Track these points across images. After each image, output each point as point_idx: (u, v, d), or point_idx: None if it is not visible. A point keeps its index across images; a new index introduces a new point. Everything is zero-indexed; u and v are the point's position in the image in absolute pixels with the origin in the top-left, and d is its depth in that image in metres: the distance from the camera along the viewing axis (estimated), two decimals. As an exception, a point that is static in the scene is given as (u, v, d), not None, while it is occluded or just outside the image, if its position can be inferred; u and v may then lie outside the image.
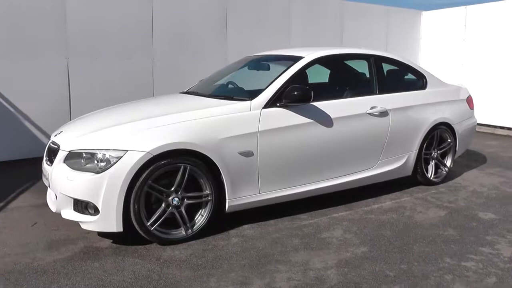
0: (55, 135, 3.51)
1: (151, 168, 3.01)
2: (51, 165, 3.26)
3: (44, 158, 3.50)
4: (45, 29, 5.69)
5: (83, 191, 2.98)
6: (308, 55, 3.90)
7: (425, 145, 4.42)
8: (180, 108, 3.51)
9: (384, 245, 3.21)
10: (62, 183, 3.09)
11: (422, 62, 9.24)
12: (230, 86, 4.28)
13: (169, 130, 3.14)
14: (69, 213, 3.14)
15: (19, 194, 4.44)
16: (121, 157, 2.96)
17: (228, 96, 3.73)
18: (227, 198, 3.33)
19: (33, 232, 3.45)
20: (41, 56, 5.70)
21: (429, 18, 9.17)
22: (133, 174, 2.96)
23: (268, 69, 4.31)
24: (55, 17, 5.73)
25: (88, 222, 3.04)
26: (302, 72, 3.80)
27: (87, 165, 3.05)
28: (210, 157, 3.19)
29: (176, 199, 3.16)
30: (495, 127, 7.46)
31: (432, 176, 4.56)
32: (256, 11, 7.35)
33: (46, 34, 5.70)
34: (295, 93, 3.46)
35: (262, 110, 3.48)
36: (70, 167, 3.10)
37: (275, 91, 3.58)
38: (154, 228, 3.10)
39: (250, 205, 3.47)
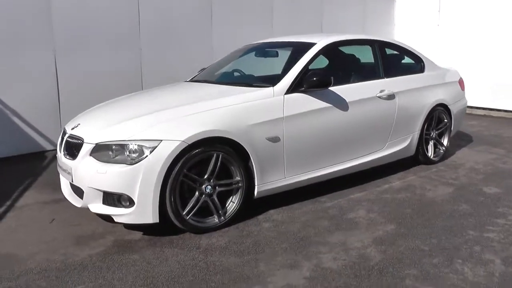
0: (72, 128, 3.39)
1: (186, 157, 2.99)
2: (74, 159, 3.15)
3: (61, 153, 3.38)
4: (30, 21, 5.40)
5: (117, 183, 2.92)
6: (320, 41, 3.96)
7: (425, 126, 4.62)
8: (203, 96, 3.49)
9: (409, 222, 3.36)
10: (91, 177, 3.01)
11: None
12: (240, 73, 4.28)
13: (201, 118, 3.12)
14: (98, 207, 3.07)
15: (22, 192, 4.25)
16: (156, 147, 2.91)
17: (247, 83, 3.74)
18: (256, 184, 3.36)
19: (53, 229, 3.34)
20: (28, 49, 5.42)
21: (403, 4, 9.46)
22: (169, 164, 2.92)
23: (277, 55, 4.34)
24: (40, 9, 5.46)
25: (122, 215, 2.99)
26: (316, 57, 3.86)
27: (117, 157, 2.98)
28: (241, 143, 3.20)
29: (209, 187, 3.15)
30: (472, 107, 7.87)
31: (432, 155, 4.79)
32: (240, 0, 7.31)
33: (32, 26, 5.42)
34: (316, 78, 3.52)
35: (285, 96, 3.52)
36: (99, 160, 3.02)
37: (294, 77, 3.62)
38: (190, 218, 3.09)
39: (276, 190, 3.52)
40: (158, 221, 2.99)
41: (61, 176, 3.70)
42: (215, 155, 3.12)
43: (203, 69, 4.83)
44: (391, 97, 4.19)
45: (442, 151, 4.90)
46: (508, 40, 7.66)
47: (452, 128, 4.99)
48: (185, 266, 2.74)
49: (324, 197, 3.89)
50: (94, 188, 3.02)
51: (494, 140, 6.01)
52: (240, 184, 3.27)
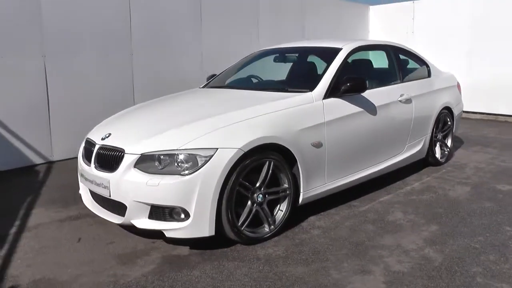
0: (102, 139, 3.16)
1: (241, 165, 2.87)
2: (112, 172, 2.94)
3: (92, 165, 3.13)
4: (19, 26, 5.02)
5: (171, 196, 2.75)
6: (345, 46, 3.99)
7: (434, 129, 4.78)
8: (245, 102, 3.40)
9: (448, 222, 3.44)
10: (137, 190, 2.82)
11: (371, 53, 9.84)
12: (263, 78, 4.21)
13: (254, 125, 3.02)
14: (146, 223, 2.88)
15: (28, 210, 3.91)
16: (212, 156, 2.78)
17: (281, 88, 3.69)
18: (301, 190, 3.30)
19: (85, 249, 3.08)
20: (17, 54, 5.02)
21: (377, 12, 9.81)
22: (227, 173, 2.80)
23: (297, 61, 4.31)
24: (29, 13, 5.09)
25: (176, 229, 2.81)
26: (345, 62, 3.87)
27: (166, 168, 2.81)
28: (291, 150, 3.14)
29: (261, 195, 3.05)
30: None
31: (439, 157, 4.96)
32: (228, 6, 7.23)
33: (21, 31, 5.04)
34: (352, 83, 3.53)
35: (323, 101, 3.50)
36: (145, 172, 2.83)
37: (329, 82, 3.61)
38: (244, 228, 2.97)
39: (317, 196, 3.48)
40: (214, 233, 2.85)
41: (84, 191, 3.45)
42: (267, 162, 3.03)
43: (213, 75, 4.71)
44: (408, 101, 4.29)
45: (446, 152, 5.09)
46: (480, 47, 8.15)
47: (454, 130, 5.20)
48: (256, 279, 2.62)
49: (355, 201, 3.91)
50: (141, 202, 2.83)
51: (483, 141, 6.35)
52: (287, 192, 3.20)
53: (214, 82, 4.48)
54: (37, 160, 5.37)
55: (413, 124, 4.37)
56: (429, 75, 4.89)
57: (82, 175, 3.30)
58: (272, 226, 3.13)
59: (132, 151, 2.89)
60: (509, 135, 6.85)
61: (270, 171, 3.06)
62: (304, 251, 2.96)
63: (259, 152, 2.96)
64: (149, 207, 2.84)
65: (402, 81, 4.41)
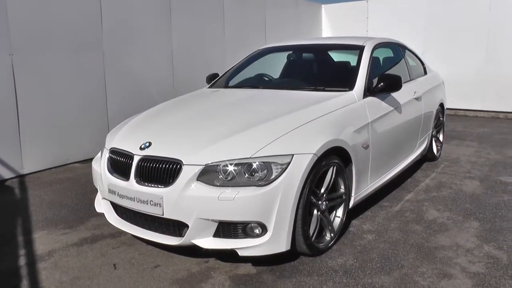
0: (141, 148, 2.74)
1: (314, 171, 2.65)
2: (166, 187, 2.56)
3: (131, 180, 2.71)
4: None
5: (249, 210, 2.45)
6: (367, 43, 3.91)
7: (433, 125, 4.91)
8: (289, 103, 3.17)
9: (483, 217, 3.51)
10: (204, 206, 2.48)
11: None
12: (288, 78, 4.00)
13: (318, 128, 2.82)
14: (213, 242, 2.55)
15: (26, 234, 3.33)
16: (289, 163, 2.52)
17: (317, 88, 3.51)
18: (353, 194, 3.16)
19: (131, 276, 2.67)
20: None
21: (330, 11, 9.96)
22: (304, 181, 2.56)
23: (314, 58, 4.15)
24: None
25: (251, 247, 2.52)
26: (372, 59, 3.79)
27: (235, 179, 2.50)
28: (350, 153, 2.98)
29: (325, 203, 2.86)
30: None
31: (436, 152, 5.11)
32: (196, 4, 6.85)
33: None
34: (389, 81, 3.47)
35: (364, 100, 3.39)
36: (211, 185, 2.50)
37: (364, 80, 3.51)
38: (314, 239, 2.76)
39: (362, 199, 3.36)
40: (289, 248, 2.60)
41: (108, 209, 3.00)
42: (332, 167, 2.84)
43: (215, 74, 4.38)
44: (419, 98, 4.35)
45: (439, 147, 5.27)
46: (434, 46, 8.62)
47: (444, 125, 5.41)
48: (347, 294, 2.44)
49: (382, 201, 3.86)
50: (207, 219, 2.49)
51: (455, 135, 6.72)
52: (344, 197, 3.04)
53: (224, 81, 4.17)
54: (5, 174, 4.62)
55: (422, 121, 4.43)
56: (425, 73, 5.01)
57: (112, 192, 2.84)
58: (332, 234, 2.96)
59: (193, 161, 2.53)
60: (475, 128, 7.33)
61: (334, 176, 2.88)
62: (374, 259, 2.83)
63: (326, 157, 2.77)
64: (216, 225, 2.51)
65: (411, 79, 4.45)
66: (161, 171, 2.61)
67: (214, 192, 2.46)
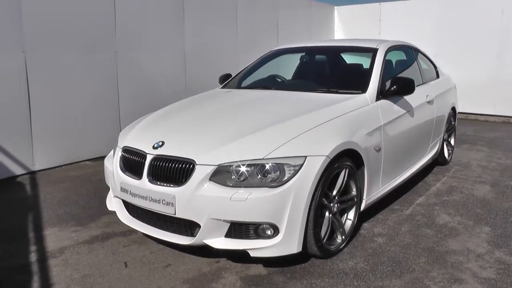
0: (154, 147, 2.75)
1: (326, 174, 2.65)
2: (179, 186, 2.57)
3: (143, 179, 2.72)
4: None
5: (261, 211, 2.45)
6: (380, 46, 3.89)
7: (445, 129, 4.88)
8: (303, 104, 3.17)
9: (495, 222, 3.48)
10: (217, 206, 2.49)
11: None
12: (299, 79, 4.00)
13: (331, 129, 2.82)
14: (224, 242, 2.55)
15: (36, 231, 3.37)
16: (302, 164, 2.52)
17: (330, 90, 3.50)
18: (364, 197, 3.15)
19: (141, 274, 2.69)
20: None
21: (342, 13, 9.94)
22: (316, 183, 2.56)
23: (326, 60, 4.14)
24: (8, 6, 4.40)
25: (263, 248, 2.52)
26: (385, 62, 3.77)
27: (247, 180, 2.51)
28: (362, 155, 2.97)
29: (336, 205, 2.85)
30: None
31: (447, 156, 5.08)
32: (208, 2, 6.87)
33: None
34: (402, 84, 3.45)
35: (376, 103, 3.38)
36: (223, 185, 2.51)
37: (377, 83, 3.50)
38: (325, 241, 2.76)
39: (373, 202, 3.35)
40: (301, 250, 2.59)
41: (119, 207, 3.02)
42: (344, 169, 2.84)
43: (228, 74, 4.39)
44: (431, 102, 4.32)
45: (451, 151, 5.23)
46: (445, 49, 8.56)
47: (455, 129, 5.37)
48: (358, 297, 2.43)
49: (393, 204, 3.84)
50: (219, 220, 2.50)
51: (466, 139, 6.67)
52: (355, 200, 3.03)
53: (237, 82, 4.18)
54: (17, 170, 4.67)
55: (434, 125, 4.41)
56: (437, 76, 4.98)
57: (124, 190, 2.85)
58: (343, 236, 2.95)
59: (206, 161, 2.54)
60: (486, 133, 7.26)
61: (346, 179, 2.87)
62: (385, 262, 2.82)
63: (338, 159, 2.76)
64: (228, 225, 2.52)
65: (423, 82, 4.43)
66: (173, 171, 2.62)
67: (227, 193, 2.47)
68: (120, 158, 3.00)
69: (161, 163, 2.68)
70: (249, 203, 2.43)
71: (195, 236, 2.62)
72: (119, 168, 2.96)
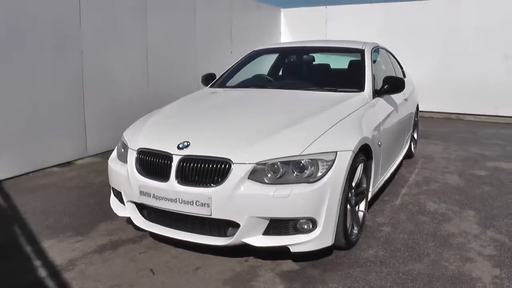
0: (179, 148, 2.69)
1: (351, 168, 2.77)
2: (215, 186, 2.55)
3: (171, 181, 2.64)
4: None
5: (302, 206, 2.52)
6: (366, 47, 4.12)
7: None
8: (314, 102, 3.29)
9: (476, 206, 3.83)
10: (258, 204, 2.51)
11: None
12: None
13: (349, 126, 2.95)
14: (264, 240, 2.58)
15: (33, 244, 3.12)
16: (334, 160, 2.62)
17: (330, 88, 3.64)
18: (370, 189, 3.32)
19: (177, 280, 2.62)
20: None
21: (289, 15, 10.20)
22: (346, 176, 2.67)
23: (313, 60, 4.28)
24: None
25: (303, 243, 2.58)
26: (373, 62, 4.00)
27: (284, 177, 2.56)
28: (372, 150, 3.14)
29: (353, 197, 2.99)
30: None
31: (413, 150, 5.47)
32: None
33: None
34: (394, 83, 3.68)
35: (373, 100, 3.57)
36: (262, 183, 2.54)
37: (371, 82, 3.70)
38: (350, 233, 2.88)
39: (374, 193, 3.53)
40: (334, 242, 2.69)
41: (133, 212, 2.91)
42: (360, 164, 2.98)
43: (211, 74, 4.35)
44: (407, 99, 4.64)
45: (415, 145, 5.64)
46: (392, 49, 9.14)
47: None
48: (395, 280, 2.58)
49: (383, 195, 4.08)
50: (260, 217, 2.52)
51: (421, 134, 7.15)
52: (365, 192, 3.20)
53: (226, 81, 4.18)
54: (-18, 180, 4.23)
55: (408, 121, 4.74)
56: (405, 76, 5.35)
57: (145, 194, 2.74)
58: (358, 227, 3.09)
59: (243, 160, 2.54)
60: (436, 128, 7.90)
61: (361, 172, 3.02)
62: (400, 249, 3.01)
63: (358, 154, 2.89)
64: (267, 222, 2.54)
65: (398, 81, 4.74)
66: (207, 171, 2.58)
67: (268, 190, 2.49)
68: (136, 160, 2.87)
69: (191, 164, 2.62)
70: (292, 199, 2.48)
71: (228, 236, 2.61)
72: (136, 171, 2.83)
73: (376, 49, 4.43)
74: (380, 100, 3.68)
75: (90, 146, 5.41)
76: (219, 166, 2.57)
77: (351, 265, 2.76)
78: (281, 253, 2.76)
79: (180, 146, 2.71)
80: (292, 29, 10.23)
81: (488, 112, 8.70)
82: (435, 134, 7.26)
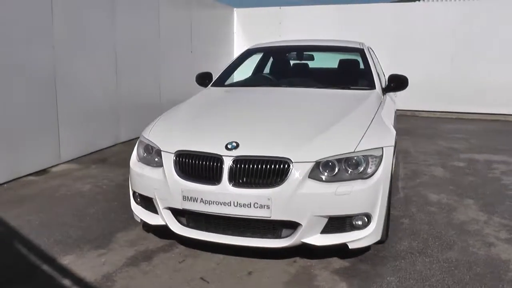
0: (228, 149, 2.59)
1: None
2: (275, 187, 2.49)
3: (224, 183, 2.54)
4: None
5: (361, 203, 2.56)
6: (364, 46, 4.26)
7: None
8: (337, 100, 3.34)
9: (472, 195, 4.11)
10: (321, 202, 2.51)
11: (237, 53, 10.20)
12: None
13: (383, 122, 3.04)
14: (323, 239, 2.58)
15: (49, 261, 2.83)
16: (382, 155, 2.68)
17: (344, 86, 3.70)
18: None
19: (230, 286, 2.50)
20: None
21: (242, 15, 10.17)
22: (391, 171, 2.73)
23: (313, 59, 4.33)
24: None
25: (360, 239, 2.61)
26: (371, 60, 4.15)
27: (338, 174, 2.57)
28: (396, 143, 3.24)
29: (388, 190, 3.07)
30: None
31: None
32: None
33: None
34: (400, 81, 3.82)
35: (384, 97, 3.70)
36: (320, 181, 2.53)
37: (379, 79, 3.84)
38: (384, 226, 2.96)
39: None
40: (383, 236, 2.75)
41: (170, 219, 2.75)
42: (393, 157, 3.07)
43: (207, 73, 4.20)
44: (395, 95, 4.86)
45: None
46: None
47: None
48: (442, 268, 2.69)
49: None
50: (321, 216, 2.51)
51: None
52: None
53: (228, 81, 4.08)
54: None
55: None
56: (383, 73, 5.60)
57: (191, 199, 2.59)
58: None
59: (302, 159, 2.51)
60: (400, 124, 8.20)
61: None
62: (428, 239, 3.14)
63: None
64: (325, 221, 2.53)
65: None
66: (264, 171, 2.51)
67: (329, 188, 2.48)
68: (175, 163, 2.69)
69: (244, 165, 2.53)
70: (353, 196, 2.50)
71: (283, 237, 2.56)
72: (177, 175, 2.66)
73: (369, 48, 4.60)
74: (387, 97, 3.82)
75: (63, 152, 4.97)
76: (277, 166, 2.50)
77: (396, 258, 2.84)
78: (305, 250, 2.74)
79: (229, 147, 2.60)
80: (245, 29, 10.23)
81: (440, 108, 9.36)
82: (399, 130, 7.60)
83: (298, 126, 2.83)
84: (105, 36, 5.73)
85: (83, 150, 5.31)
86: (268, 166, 2.51)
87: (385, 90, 3.82)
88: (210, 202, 2.55)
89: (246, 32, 10.22)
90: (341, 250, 2.74)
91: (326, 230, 2.56)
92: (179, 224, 2.76)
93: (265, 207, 2.47)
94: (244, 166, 2.53)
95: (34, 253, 2.92)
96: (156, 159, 2.86)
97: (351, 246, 2.61)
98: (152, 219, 2.88)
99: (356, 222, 2.60)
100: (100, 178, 4.53)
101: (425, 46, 9.27)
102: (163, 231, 2.98)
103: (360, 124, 2.86)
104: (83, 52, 5.29)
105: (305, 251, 2.74)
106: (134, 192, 3.04)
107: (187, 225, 2.75)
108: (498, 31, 8.90)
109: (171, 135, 2.89)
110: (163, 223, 2.81)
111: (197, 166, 2.64)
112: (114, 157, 5.43)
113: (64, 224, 3.39)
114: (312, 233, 2.54)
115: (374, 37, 9.37)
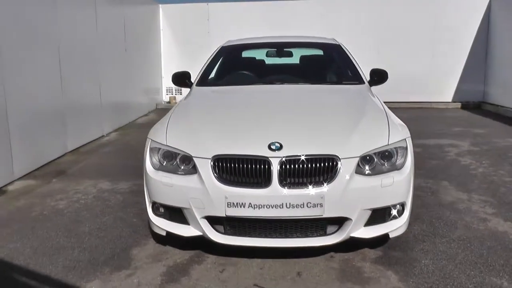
0: (273, 150, 2.54)
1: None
2: (327, 185, 2.51)
3: (275, 185, 2.48)
4: None
5: (401, 192, 2.69)
6: (339, 42, 4.41)
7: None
8: (341, 95, 3.45)
9: (471, 188, 4.48)
10: (369, 196, 2.59)
11: (164, 51, 9.84)
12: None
13: (390, 115, 3.15)
14: (369, 231, 2.67)
15: (78, 280, 2.50)
16: (406, 147, 2.83)
17: (336, 81, 3.80)
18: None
19: None
20: None
21: (168, 11, 9.79)
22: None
23: (292, 55, 4.37)
24: None
25: (397, 228, 2.74)
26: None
27: (377, 167, 2.67)
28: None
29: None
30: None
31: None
32: None
33: None
34: (381, 75, 4.01)
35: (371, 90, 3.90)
36: (364, 175, 2.62)
37: (363, 74, 4.00)
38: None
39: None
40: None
41: (206, 226, 2.64)
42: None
43: (185, 72, 4.03)
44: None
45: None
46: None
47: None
48: (463, 245, 2.94)
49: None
50: (366, 209, 2.60)
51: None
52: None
53: (216, 79, 3.96)
54: None
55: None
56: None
57: (237, 205, 2.48)
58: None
59: (349, 155, 2.56)
60: None
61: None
62: (432, 221, 3.38)
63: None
64: (369, 213, 2.62)
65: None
66: (314, 170, 2.51)
67: (375, 181, 2.57)
68: (213, 169, 2.55)
69: (292, 165, 2.50)
70: (394, 187, 2.61)
71: (328, 234, 2.60)
72: (217, 181, 2.53)
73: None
74: (373, 91, 4.03)
75: (16, 167, 4.37)
76: (326, 164, 2.51)
77: (417, 242, 3.03)
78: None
79: (273, 148, 2.54)
80: (173, 26, 9.89)
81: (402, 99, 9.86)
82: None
83: (329, 123, 2.88)
84: (49, 35, 5.13)
85: (35, 163, 4.73)
86: (318, 165, 2.52)
87: (370, 84, 4.02)
88: (260, 206, 2.48)
89: (173, 28, 9.90)
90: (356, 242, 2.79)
91: (369, 222, 2.65)
92: (217, 233, 2.63)
93: (318, 205, 2.47)
94: (293, 166, 2.51)
95: (49, 285, 2.56)
96: (182, 166, 2.69)
97: (391, 235, 2.74)
98: (184, 231, 2.70)
99: (394, 212, 2.74)
100: (71, 193, 4.08)
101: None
102: (182, 242, 2.85)
103: (381, 118, 2.99)
104: (29, 52, 4.69)
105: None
106: (153, 203, 2.81)
107: (226, 232, 2.64)
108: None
109: (199, 140, 2.72)
110: (198, 233, 2.65)
111: (240, 170, 2.53)
112: (71, 168, 4.92)
113: (63, 247, 3.01)
114: (358, 227, 2.61)
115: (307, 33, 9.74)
